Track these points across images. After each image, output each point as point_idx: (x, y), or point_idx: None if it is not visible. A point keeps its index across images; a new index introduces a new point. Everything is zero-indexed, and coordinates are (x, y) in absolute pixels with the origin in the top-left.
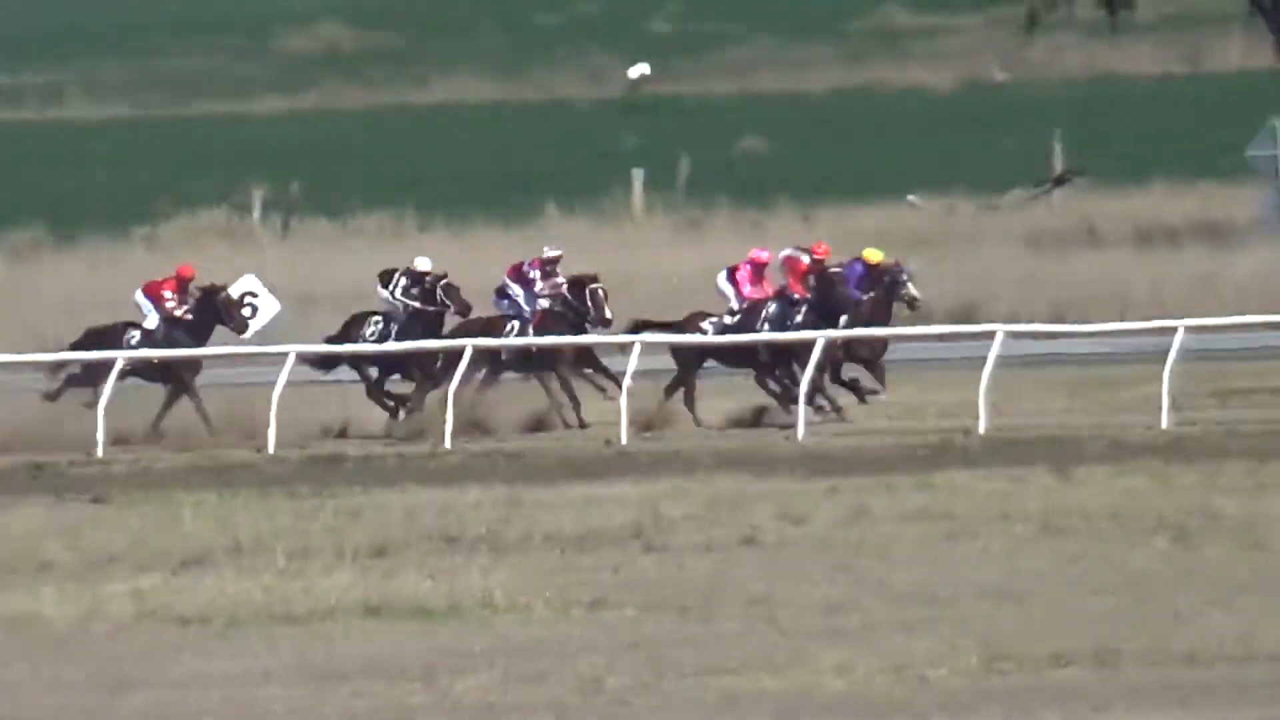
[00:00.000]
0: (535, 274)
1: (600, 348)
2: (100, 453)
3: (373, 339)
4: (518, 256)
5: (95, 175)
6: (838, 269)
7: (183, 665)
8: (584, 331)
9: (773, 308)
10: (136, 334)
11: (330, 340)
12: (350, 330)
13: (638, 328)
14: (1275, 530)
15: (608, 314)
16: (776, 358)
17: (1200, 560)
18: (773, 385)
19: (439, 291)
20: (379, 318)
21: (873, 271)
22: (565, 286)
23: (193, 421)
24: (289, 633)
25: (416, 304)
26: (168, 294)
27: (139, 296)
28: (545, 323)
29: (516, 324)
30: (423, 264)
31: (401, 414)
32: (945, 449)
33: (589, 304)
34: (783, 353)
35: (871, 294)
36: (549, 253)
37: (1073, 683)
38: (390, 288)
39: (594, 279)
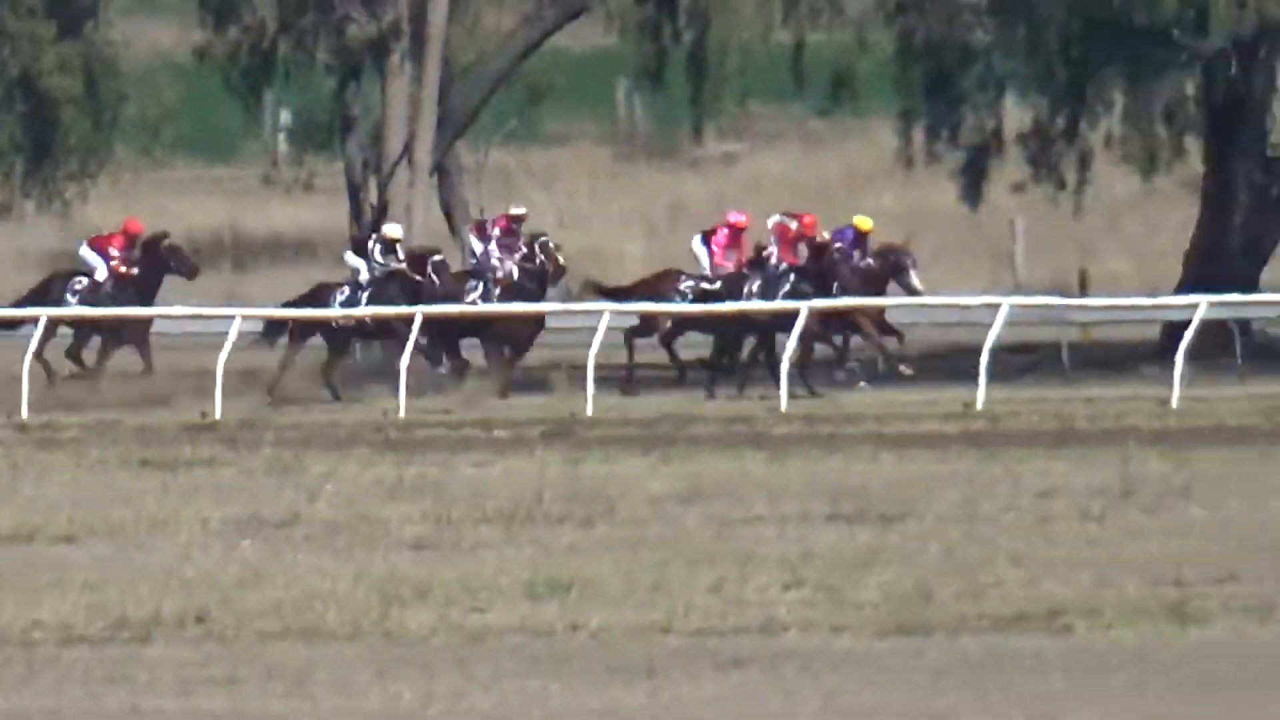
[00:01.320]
0: (496, 232)
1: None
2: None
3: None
4: None
5: None
6: (839, 245)
7: None
8: (545, 294)
9: (758, 284)
10: (84, 281)
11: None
12: (316, 299)
13: (601, 292)
14: None
15: (561, 260)
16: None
17: None
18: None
19: (429, 266)
20: (346, 287)
21: (864, 240)
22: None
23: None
24: None
25: (397, 265)
26: (114, 249)
27: (85, 251)
28: (511, 292)
29: (480, 285)
30: (394, 231)
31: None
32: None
33: (543, 258)
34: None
35: (867, 263)
36: (515, 210)
37: None
38: (369, 255)
39: (542, 234)
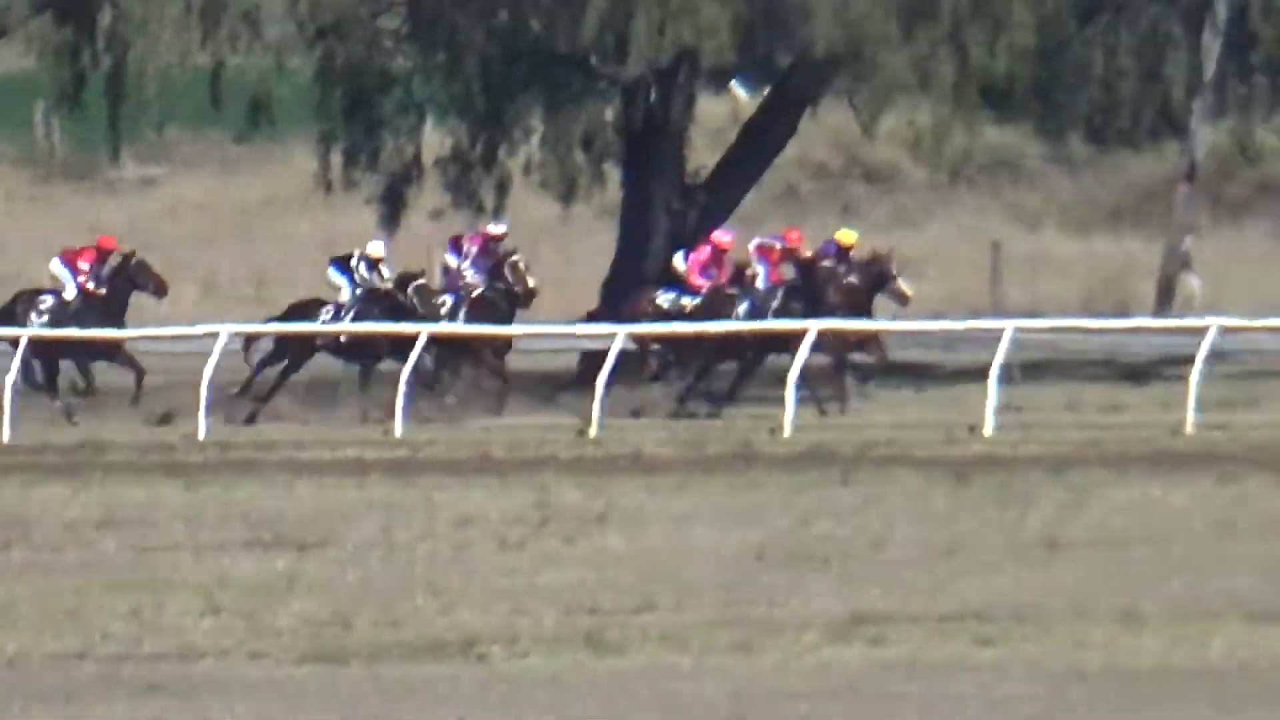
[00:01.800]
0: (473, 249)
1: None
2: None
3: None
4: None
5: None
6: (827, 263)
7: None
8: (514, 315)
9: (745, 305)
10: (49, 300)
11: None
12: (300, 317)
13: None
14: None
15: (531, 283)
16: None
17: None
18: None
19: (410, 290)
20: (330, 307)
21: (847, 254)
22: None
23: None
24: None
25: (385, 284)
26: (83, 264)
27: (55, 265)
28: (478, 310)
29: (450, 299)
30: (375, 249)
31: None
32: None
33: (510, 277)
34: (765, 342)
35: (853, 278)
36: (494, 229)
37: None
38: (352, 272)
39: (512, 252)
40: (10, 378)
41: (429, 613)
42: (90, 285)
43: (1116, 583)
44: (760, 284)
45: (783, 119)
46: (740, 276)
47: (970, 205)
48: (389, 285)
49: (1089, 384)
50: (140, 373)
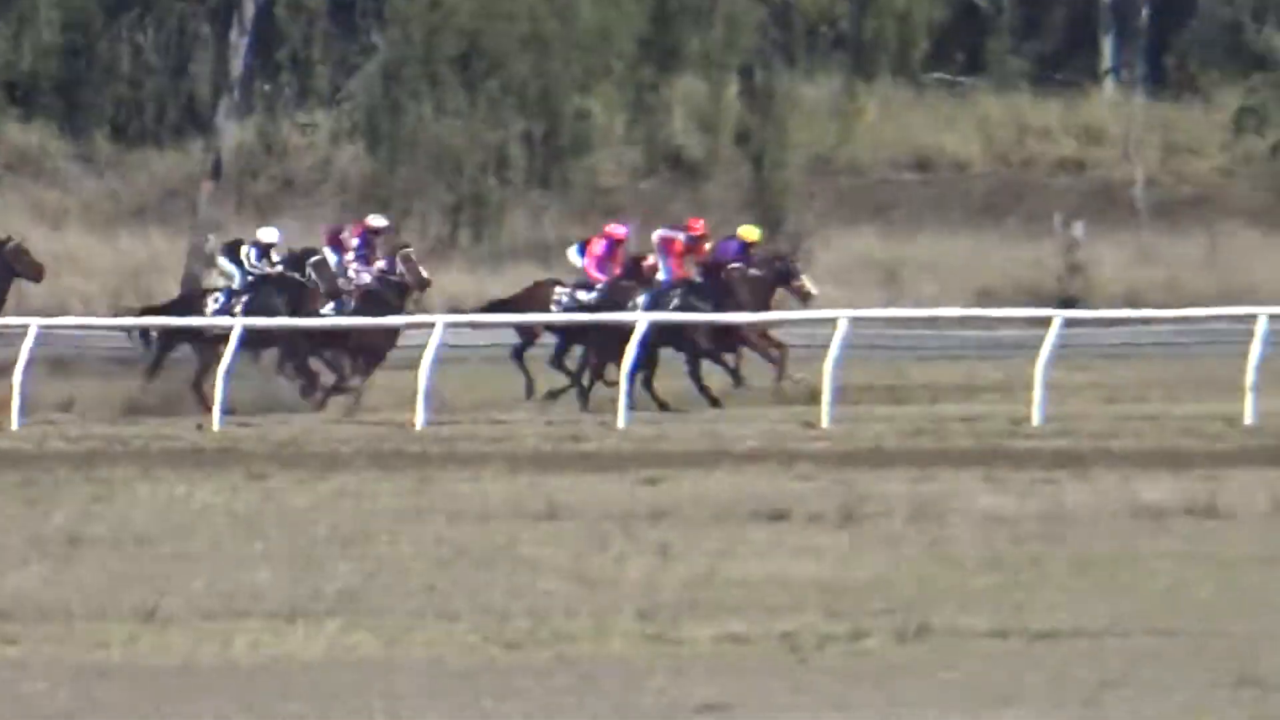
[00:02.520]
0: (355, 242)
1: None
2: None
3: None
4: None
5: None
6: (736, 267)
7: None
8: (404, 306)
9: (644, 298)
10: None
11: (157, 311)
12: (191, 305)
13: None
14: None
15: (424, 274)
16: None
17: None
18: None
19: (308, 267)
20: (219, 294)
21: (749, 251)
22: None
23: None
24: None
25: (274, 269)
26: None
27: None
28: (367, 303)
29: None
30: (268, 235)
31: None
32: None
33: (403, 270)
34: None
35: (755, 271)
36: (374, 222)
37: None
38: (244, 259)
39: (405, 245)
40: None
41: None
42: None
43: (140, 580)
44: (661, 278)
45: None
46: (638, 268)
47: None
48: (278, 269)
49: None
50: None
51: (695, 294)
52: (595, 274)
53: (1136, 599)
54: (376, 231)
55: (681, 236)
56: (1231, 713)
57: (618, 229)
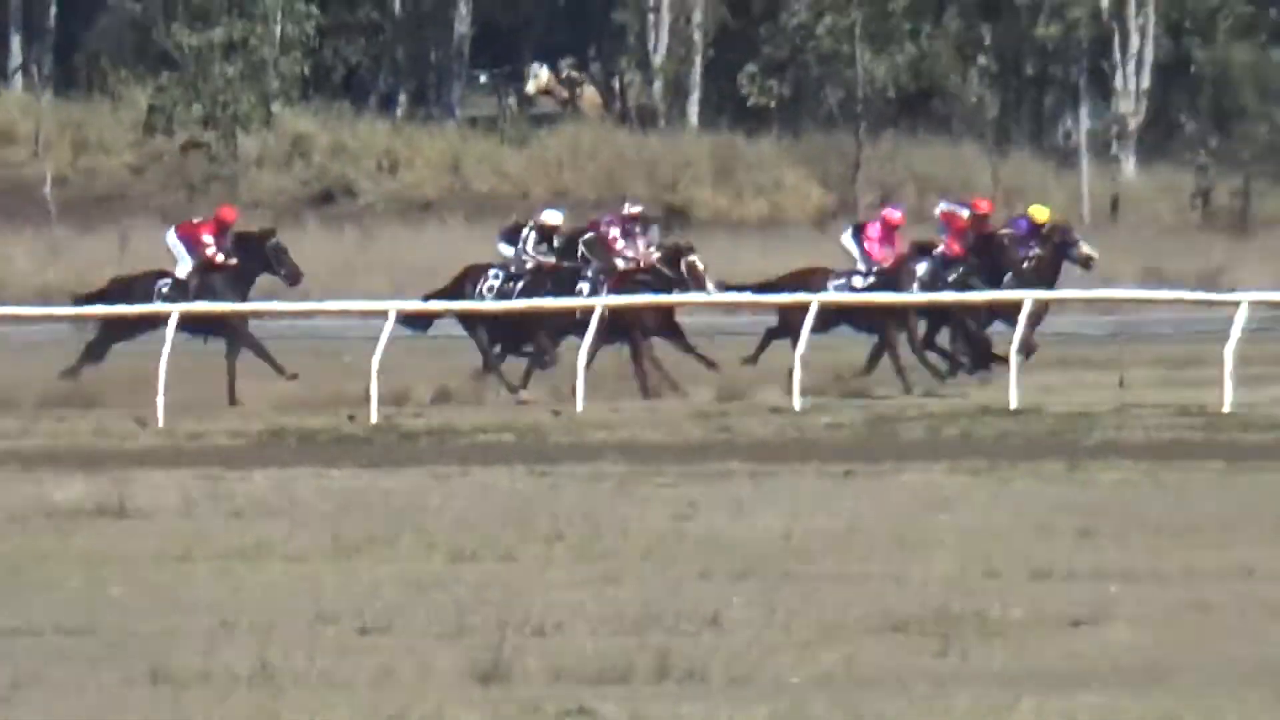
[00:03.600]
0: (615, 232)
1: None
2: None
3: (490, 295)
4: None
5: None
6: (1007, 230)
7: None
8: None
9: (924, 266)
10: (168, 283)
11: (435, 296)
12: (463, 284)
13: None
14: None
15: (710, 286)
16: (931, 321)
17: None
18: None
19: (580, 247)
20: (497, 270)
21: (1039, 231)
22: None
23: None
24: None
25: (548, 259)
26: (206, 237)
27: (171, 238)
28: (624, 286)
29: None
30: (552, 218)
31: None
32: None
33: (687, 275)
34: (935, 316)
35: (1037, 253)
36: (630, 209)
37: None
38: (520, 243)
39: (690, 249)
40: None
41: None
42: (218, 258)
43: None
44: (937, 253)
45: None
46: (924, 252)
47: None
48: (550, 260)
49: None
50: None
51: (971, 271)
52: (880, 257)
53: (49, 599)
54: (632, 219)
55: (965, 212)
56: (146, 709)
57: (893, 212)
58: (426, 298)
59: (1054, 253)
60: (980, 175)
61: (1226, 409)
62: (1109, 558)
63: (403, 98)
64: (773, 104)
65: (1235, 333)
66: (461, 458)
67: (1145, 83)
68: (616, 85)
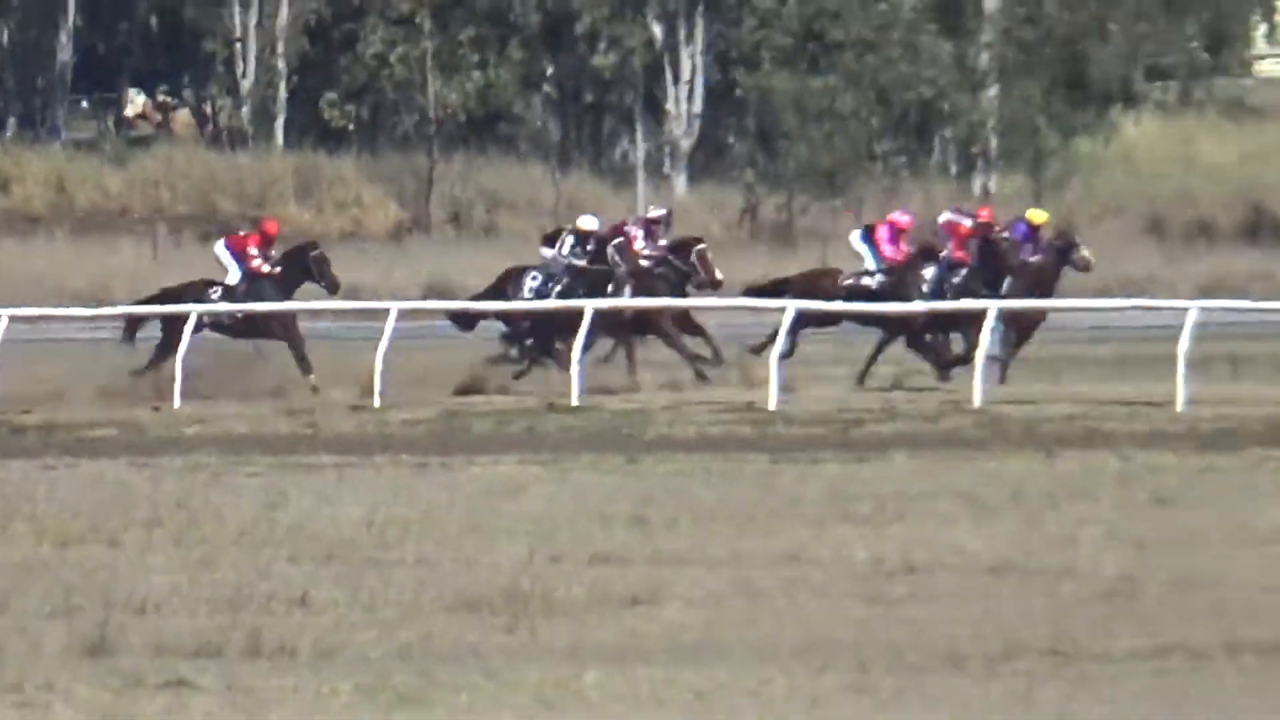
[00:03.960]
0: (638, 233)
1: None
2: (773, 405)
3: (530, 296)
4: None
5: None
6: (1004, 235)
7: None
8: (684, 293)
9: (930, 272)
10: (218, 291)
11: (481, 296)
12: (505, 285)
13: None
14: None
15: (718, 275)
16: (933, 324)
17: None
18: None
19: (610, 251)
20: (536, 273)
21: (1037, 234)
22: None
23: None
24: None
25: (581, 262)
26: (252, 249)
27: (219, 249)
28: (644, 283)
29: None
30: (588, 223)
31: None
32: None
33: (698, 266)
34: (941, 320)
35: (1037, 257)
36: (654, 212)
37: None
38: (557, 247)
39: (698, 240)
40: None
41: None
42: (265, 268)
43: None
44: (943, 258)
45: None
46: (930, 256)
47: None
48: (583, 263)
49: None
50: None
51: (974, 278)
52: (891, 258)
53: None
54: (655, 221)
55: (967, 222)
56: None
57: (900, 216)
58: (473, 298)
59: (1056, 258)
60: (545, 193)
61: (773, 406)
62: (664, 543)
63: (11, 120)
64: (351, 126)
65: (782, 337)
66: (68, 450)
67: (696, 107)
68: (208, 109)
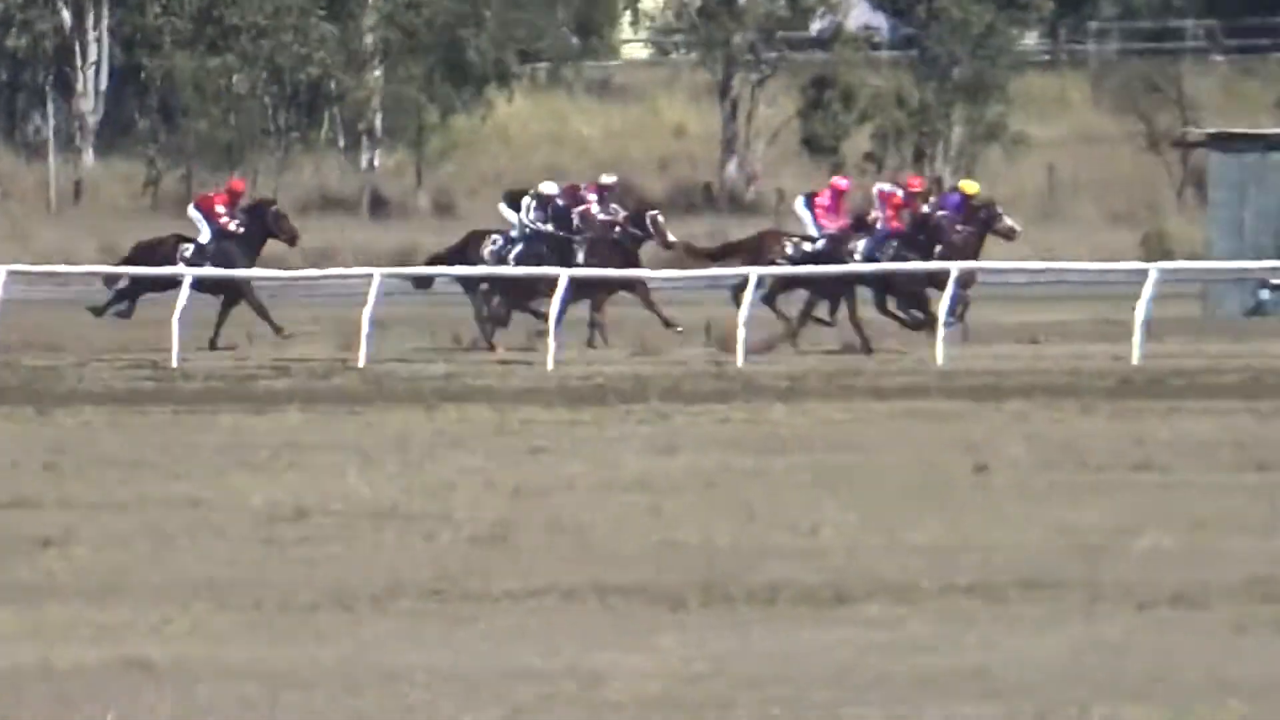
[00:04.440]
0: (592, 198)
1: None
2: (174, 362)
3: (491, 259)
4: None
5: None
6: (938, 206)
7: None
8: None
9: (863, 243)
10: (190, 247)
11: (441, 258)
12: (466, 247)
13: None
14: None
15: (671, 237)
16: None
17: None
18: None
19: (574, 215)
20: (498, 236)
21: (968, 203)
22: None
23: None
24: None
25: (545, 227)
26: (219, 208)
27: (192, 211)
28: (597, 250)
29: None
30: (548, 188)
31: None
32: None
33: (652, 228)
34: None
35: (966, 226)
36: (605, 179)
37: None
38: (522, 211)
39: (652, 207)
40: None
41: None
42: (230, 226)
43: None
44: (878, 228)
45: None
46: (862, 221)
47: None
48: (548, 227)
49: None
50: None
51: (906, 246)
52: (827, 224)
53: None
54: (607, 188)
55: (900, 192)
56: None
57: (840, 181)
58: (429, 260)
59: (981, 226)
60: None
61: (174, 364)
62: (73, 489)
63: None
64: None
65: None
66: None
67: (104, 85)
68: None
